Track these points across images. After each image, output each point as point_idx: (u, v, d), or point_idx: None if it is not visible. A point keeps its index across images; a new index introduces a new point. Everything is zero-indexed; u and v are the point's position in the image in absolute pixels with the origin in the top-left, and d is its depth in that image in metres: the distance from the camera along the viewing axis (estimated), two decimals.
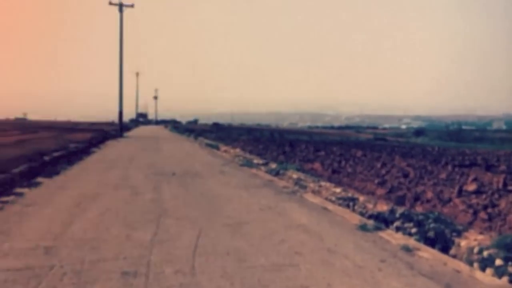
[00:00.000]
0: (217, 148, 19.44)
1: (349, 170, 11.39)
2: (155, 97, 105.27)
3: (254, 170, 11.01)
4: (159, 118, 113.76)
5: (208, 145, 21.44)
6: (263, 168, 11.53)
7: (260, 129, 61.38)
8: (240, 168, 11.45)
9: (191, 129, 48.32)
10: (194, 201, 6.49)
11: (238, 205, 6.21)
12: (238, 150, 17.03)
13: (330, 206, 6.35)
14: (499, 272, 4.11)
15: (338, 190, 7.98)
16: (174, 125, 75.92)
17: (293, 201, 6.72)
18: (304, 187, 8.62)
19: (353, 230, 4.86)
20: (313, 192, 8.18)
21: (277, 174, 10.44)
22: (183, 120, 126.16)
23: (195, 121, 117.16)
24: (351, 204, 7.11)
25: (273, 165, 11.42)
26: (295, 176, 9.66)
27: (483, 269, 4.30)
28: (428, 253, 4.08)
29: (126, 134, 33.63)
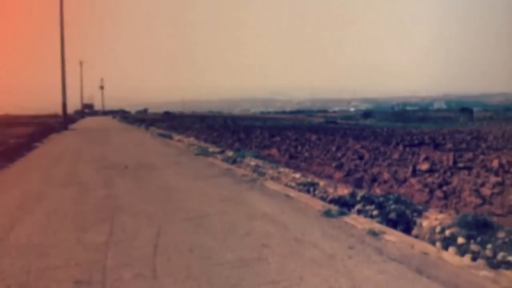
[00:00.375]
0: (170, 137, 18.89)
1: (306, 154, 11.40)
2: (101, 87, 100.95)
3: (210, 159, 10.74)
4: (106, 108, 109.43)
5: (160, 135, 20.80)
6: (219, 156, 11.28)
7: (213, 117, 60.64)
8: (196, 158, 11.13)
9: (142, 119, 46.84)
10: (150, 195, 6.15)
11: (197, 197, 5.95)
12: (192, 139, 16.63)
13: (292, 193, 6.25)
14: (462, 251, 4.17)
15: (297, 175, 7.92)
16: (123, 115, 73.27)
17: (254, 189, 6.55)
18: (263, 174, 8.48)
19: (318, 217, 4.77)
20: (273, 179, 8.06)
21: (234, 162, 10.24)
22: (132, 110, 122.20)
23: (145, 111, 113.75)
24: (311, 189, 7.06)
25: (230, 153, 11.20)
26: (253, 163, 9.50)
27: (445, 248, 4.35)
28: (394, 236, 4.06)
29: (71, 126, 31.93)
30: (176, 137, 18.40)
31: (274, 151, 12.52)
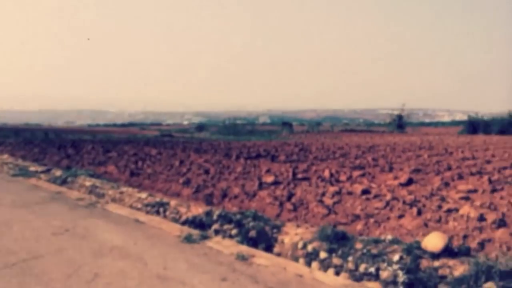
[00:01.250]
0: None
1: (149, 171, 10.60)
2: None
3: (33, 180, 9.01)
4: None
5: None
6: (44, 176, 9.59)
7: (30, 130, 53.03)
8: (13, 179, 9.20)
9: None
10: None
11: (20, 232, 4.70)
12: (6, 156, 13.90)
13: (142, 217, 5.54)
14: (325, 265, 4.19)
15: (143, 195, 7.18)
16: None
17: (96, 216, 5.58)
18: (103, 196, 7.46)
19: (179, 244, 4.22)
20: (115, 200, 7.14)
21: (64, 182, 8.82)
22: None
23: None
24: (161, 210, 6.44)
25: (58, 172, 9.63)
26: (88, 183, 8.31)
27: (308, 263, 4.33)
28: (264, 259, 3.82)
29: None
30: None
31: (111, 168, 11.30)
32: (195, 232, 4.58)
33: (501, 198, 6.86)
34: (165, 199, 6.86)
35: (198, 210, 6.04)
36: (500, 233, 4.77)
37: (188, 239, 4.32)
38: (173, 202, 6.53)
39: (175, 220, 5.87)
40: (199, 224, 5.78)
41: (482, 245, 4.48)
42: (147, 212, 6.40)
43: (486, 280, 3.02)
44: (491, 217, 5.33)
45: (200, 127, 76.90)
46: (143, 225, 5.03)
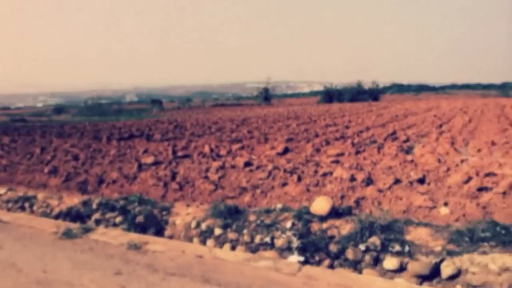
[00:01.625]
0: None
1: (4, 162, 9.18)
2: None
3: None
4: None
5: None
6: None
7: None
8: None
9: None
10: None
11: None
12: None
13: (5, 216, 4.77)
14: (221, 241, 4.16)
15: (1, 190, 6.23)
16: None
17: None
18: None
19: (57, 242, 3.72)
20: None
21: None
22: None
23: None
24: (27, 205, 5.65)
25: None
26: None
27: (203, 242, 4.25)
28: (159, 245, 3.61)
29: None
30: None
31: None
32: (75, 226, 4.10)
33: (365, 158, 7.70)
34: (30, 192, 6.04)
35: (73, 200, 5.45)
36: (369, 190, 5.33)
37: (68, 234, 3.84)
38: (40, 195, 5.78)
39: (47, 215, 5.20)
40: (77, 216, 5.22)
41: (357, 203, 4.96)
42: (9, 210, 5.55)
43: (370, 235, 3.32)
44: (360, 176, 5.93)
45: (59, 109, 69.73)
46: (7, 225, 4.32)
